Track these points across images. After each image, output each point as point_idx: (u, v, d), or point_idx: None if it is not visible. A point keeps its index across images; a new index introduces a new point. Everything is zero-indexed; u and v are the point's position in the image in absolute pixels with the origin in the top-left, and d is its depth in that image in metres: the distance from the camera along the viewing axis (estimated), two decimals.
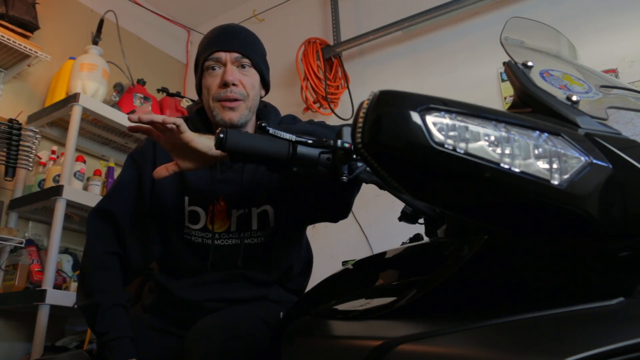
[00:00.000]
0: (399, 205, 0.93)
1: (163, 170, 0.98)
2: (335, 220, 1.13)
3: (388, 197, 0.88)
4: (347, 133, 0.83)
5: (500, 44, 0.76)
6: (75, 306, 1.13)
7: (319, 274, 1.08)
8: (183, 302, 1.14)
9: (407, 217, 0.95)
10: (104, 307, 1.06)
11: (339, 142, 0.83)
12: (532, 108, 0.64)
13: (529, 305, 0.53)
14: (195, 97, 1.42)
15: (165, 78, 3.22)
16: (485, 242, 0.56)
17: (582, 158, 0.53)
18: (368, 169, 0.82)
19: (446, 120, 0.52)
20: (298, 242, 1.27)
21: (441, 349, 0.50)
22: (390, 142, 0.53)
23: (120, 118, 2.41)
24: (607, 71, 2.02)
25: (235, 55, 1.18)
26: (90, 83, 2.34)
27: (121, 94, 2.51)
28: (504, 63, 0.72)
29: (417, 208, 0.90)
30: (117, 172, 2.47)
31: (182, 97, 2.86)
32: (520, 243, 0.57)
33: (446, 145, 0.51)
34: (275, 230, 1.18)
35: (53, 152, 2.40)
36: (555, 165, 0.52)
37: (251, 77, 1.20)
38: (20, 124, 2.23)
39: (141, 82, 2.69)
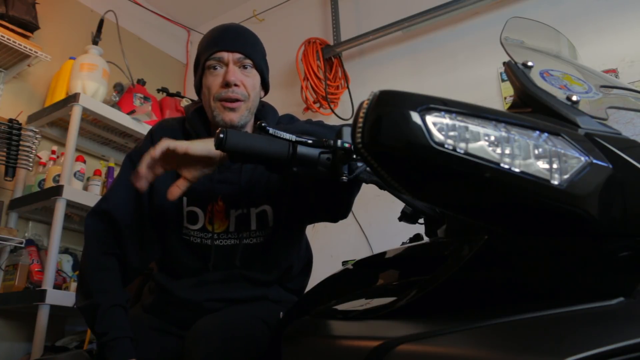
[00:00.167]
0: (399, 205, 0.92)
1: (176, 189, 0.96)
2: (335, 220, 1.13)
3: (388, 197, 0.88)
4: (347, 133, 0.83)
5: (500, 44, 0.76)
6: (75, 307, 1.13)
7: (319, 274, 1.08)
8: (183, 302, 1.14)
9: (407, 217, 0.95)
10: (104, 308, 1.06)
11: (339, 142, 0.83)
12: (532, 108, 0.64)
13: (529, 305, 0.53)
14: (195, 97, 1.41)
15: (165, 78, 3.22)
16: (485, 242, 0.56)
17: (582, 158, 0.53)
18: (368, 169, 0.81)
19: (446, 120, 0.52)
20: (297, 242, 1.27)
21: (441, 349, 0.50)
22: (390, 142, 0.53)
23: (120, 118, 2.41)
24: (607, 71, 2.02)
25: (238, 55, 1.17)
26: (90, 83, 2.34)
27: (121, 94, 2.51)
28: (504, 63, 0.72)
29: (417, 208, 0.90)
30: (117, 172, 2.47)
31: (182, 97, 2.86)
32: (520, 243, 0.57)
33: (446, 145, 0.51)
34: (274, 230, 1.18)
35: (53, 152, 2.40)
36: (555, 165, 0.52)
37: (252, 78, 1.20)
38: (20, 124, 2.23)
39: (141, 82, 2.69)
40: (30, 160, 2.21)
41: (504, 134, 0.53)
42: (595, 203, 0.52)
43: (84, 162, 2.40)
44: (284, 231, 1.19)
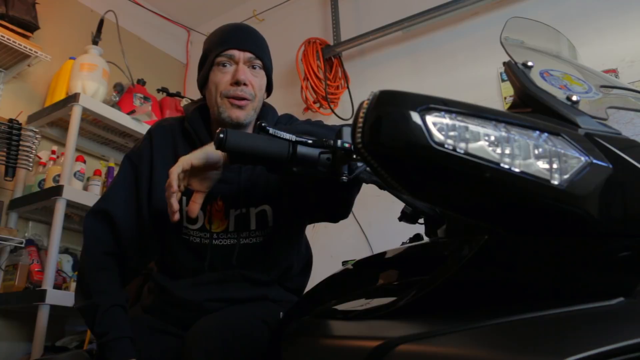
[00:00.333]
0: (399, 205, 0.92)
1: (194, 206, 1.01)
2: (335, 220, 1.13)
3: (388, 197, 0.88)
4: (347, 133, 0.83)
5: (500, 44, 0.76)
6: (75, 307, 1.12)
7: (319, 274, 1.08)
8: (182, 302, 1.14)
9: (407, 217, 0.95)
10: (103, 308, 1.06)
11: (339, 142, 0.83)
12: (532, 108, 0.64)
13: (529, 305, 0.53)
14: (195, 97, 1.41)
15: (165, 78, 3.22)
16: (485, 242, 0.56)
17: (582, 158, 0.53)
18: (368, 169, 0.82)
19: (446, 120, 0.52)
20: (297, 242, 1.27)
21: (441, 349, 0.50)
22: (390, 142, 0.53)
23: (120, 118, 2.42)
24: (607, 71, 2.02)
25: (249, 55, 1.17)
26: (90, 83, 2.34)
27: (121, 94, 2.51)
28: (504, 63, 0.72)
29: (417, 208, 0.90)
30: (116, 172, 2.47)
31: (182, 97, 2.86)
32: (520, 243, 0.57)
33: (446, 145, 0.51)
34: (273, 230, 1.18)
35: (53, 152, 2.40)
36: (555, 165, 0.52)
37: (260, 79, 1.20)
38: (20, 124, 2.23)
39: (141, 82, 2.69)
40: (30, 160, 2.21)
41: (504, 134, 0.53)
42: (595, 203, 0.52)
43: (84, 162, 2.40)
44: (283, 231, 1.19)
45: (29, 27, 2.34)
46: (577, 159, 0.53)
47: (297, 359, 0.69)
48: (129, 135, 2.58)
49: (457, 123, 0.52)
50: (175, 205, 0.95)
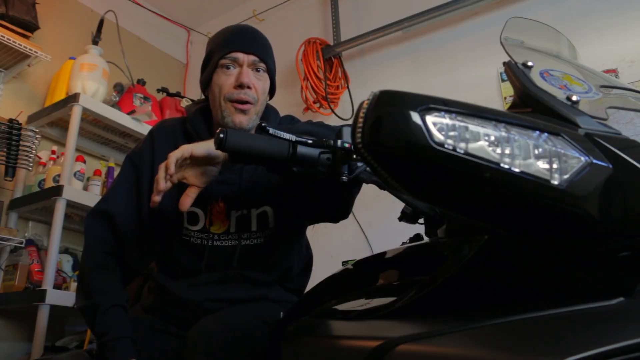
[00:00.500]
0: (399, 205, 0.92)
1: (187, 199, 0.98)
2: (335, 220, 1.13)
3: (388, 197, 0.88)
4: (347, 133, 0.83)
5: (500, 44, 0.76)
6: (75, 307, 1.13)
7: (319, 274, 1.08)
8: (183, 302, 1.14)
9: (407, 217, 0.95)
10: (104, 308, 1.06)
11: (339, 142, 0.83)
12: (532, 108, 0.64)
13: (529, 305, 0.53)
14: (195, 97, 1.41)
15: (165, 78, 3.22)
16: (485, 242, 0.56)
17: (582, 158, 0.53)
18: (368, 169, 0.82)
19: (446, 120, 0.52)
20: (298, 243, 1.26)
21: (441, 349, 0.50)
22: (390, 142, 0.53)
23: (120, 118, 2.42)
24: (607, 71, 2.02)
25: (253, 58, 1.17)
26: (90, 83, 2.34)
27: (121, 94, 2.51)
28: (504, 63, 0.72)
29: (417, 208, 0.90)
30: (117, 172, 2.47)
31: (182, 97, 2.86)
32: (520, 243, 0.57)
33: (446, 145, 0.51)
34: (274, 231, 1.18)
35: (53, 152, 2.40)
36: (555, 165, 0.52)
37: (264, 82, 1.20)
38: (20, 124, 2.23)
39: (141, 82, 2.69)
40: (30, 160, 2.21)
41: (504, 134, 0.53)
42: (595, 203, 0.52)
43: (84, 162, 2.40)
44: (284, 232, 1.19)
45: (29, 27, 2.34)
46: (577, 159, 0.53)
47: (297, 359, 0.69)
48: (129, 135, 2.58)
49: (457, 123, 0.52)
50: (162, 184, 0.94)
